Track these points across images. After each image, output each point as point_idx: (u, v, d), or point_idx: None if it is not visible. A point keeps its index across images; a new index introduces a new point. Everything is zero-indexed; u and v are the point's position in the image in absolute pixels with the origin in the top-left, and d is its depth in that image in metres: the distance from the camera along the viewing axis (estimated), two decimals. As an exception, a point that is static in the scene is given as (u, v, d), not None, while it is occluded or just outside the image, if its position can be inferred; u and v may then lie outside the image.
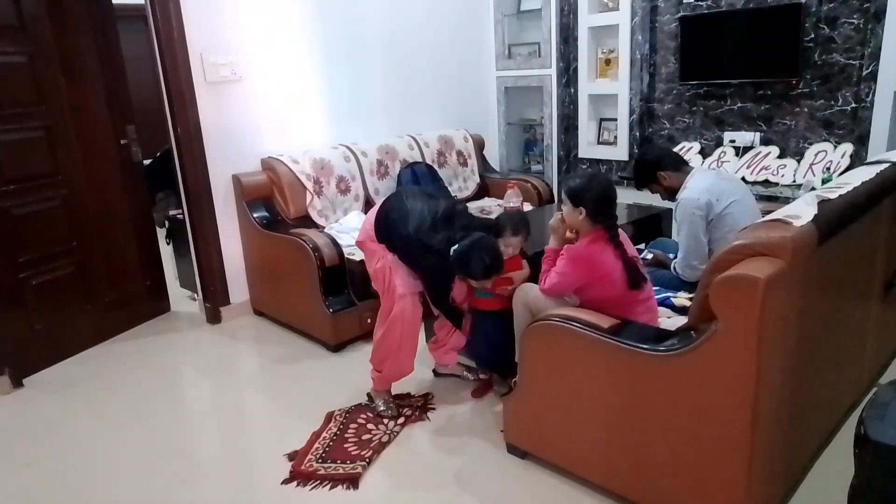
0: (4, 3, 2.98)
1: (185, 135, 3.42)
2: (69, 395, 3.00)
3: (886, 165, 2.37)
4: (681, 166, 2.79)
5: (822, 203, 1.90)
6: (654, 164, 2.80)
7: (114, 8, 3.51)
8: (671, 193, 2.78)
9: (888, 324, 2.68)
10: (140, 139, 3.67)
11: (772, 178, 3.74)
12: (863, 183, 2.16)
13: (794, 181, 3.65)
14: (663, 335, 1.92)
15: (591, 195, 2.15)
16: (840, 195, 2.01)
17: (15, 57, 3.04)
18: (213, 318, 3.71)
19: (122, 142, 3.56)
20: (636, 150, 4.40)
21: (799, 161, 3.68)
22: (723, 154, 3.97)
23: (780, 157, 3.78)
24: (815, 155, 3.62)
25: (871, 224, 2.27)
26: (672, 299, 2.56)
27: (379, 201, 4.16)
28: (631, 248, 2.25)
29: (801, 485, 2.08)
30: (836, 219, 1.87)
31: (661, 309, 2.48)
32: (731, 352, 1.65)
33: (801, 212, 1.82)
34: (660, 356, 1.80)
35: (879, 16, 3.24)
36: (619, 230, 2.23)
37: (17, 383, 3.05)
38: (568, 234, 2.32)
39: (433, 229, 2.35)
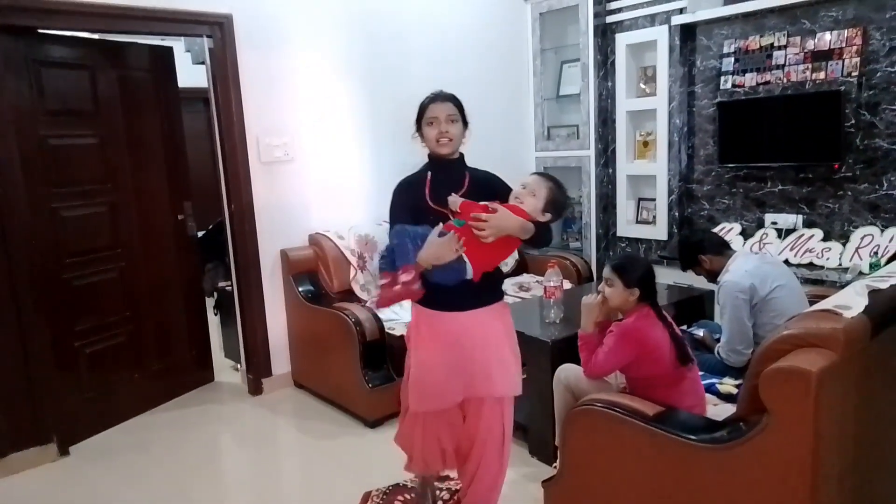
0: (82, 90, 3.24)
1: (239, 211, 3.58)
2: (113, 464, 3.04)
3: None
4: (723, 249, 2.80)
5: (874, 293, 1.88)
6: (696, 247, 2.83)
7: (179, 92, 3.77)
8: (713, 276, 2.78)
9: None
10: (195, 210, 3.85)
11: (816, 262, 3.69)
12: (914, 272, 2.14)
13: (840, 265, 3.60)
14: (711, 425, 1.88)
15: (635, 271, 2.20)
16: (892, 284, 1.98)
17: (88, 139, 3.28)
18: (255, 389, 3.76)
19: (179, 217, 3.74)
20: (675, 230, 4.41)
21: (844, 244, 3.64)
22: (765, 236, 3.95)
23: (824, 240, 3.74)
24: (861, 238, 3.58)
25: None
26: (717, 385, 2.51)
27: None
28: (675, 326, 2.25)
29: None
30: (889, 309, 1.85)
31: (707, 395, 2.44)
32: (784, 447, 1.61)
33: (852, 302, 1.80)
34: (708, 448, 1.76)
35: (920, 103, 3.26)
36: (663, 311, 2.25)
37: (64, 451, 3.11)
38: (600, 317, 2.32)
39: None
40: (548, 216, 2.00)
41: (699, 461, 1.80)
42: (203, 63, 3.59)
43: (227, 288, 3.88)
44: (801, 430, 1.57)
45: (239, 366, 3.91)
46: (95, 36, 3.51)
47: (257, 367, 3.74)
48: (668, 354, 2.17)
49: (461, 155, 2.17)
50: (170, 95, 3.70)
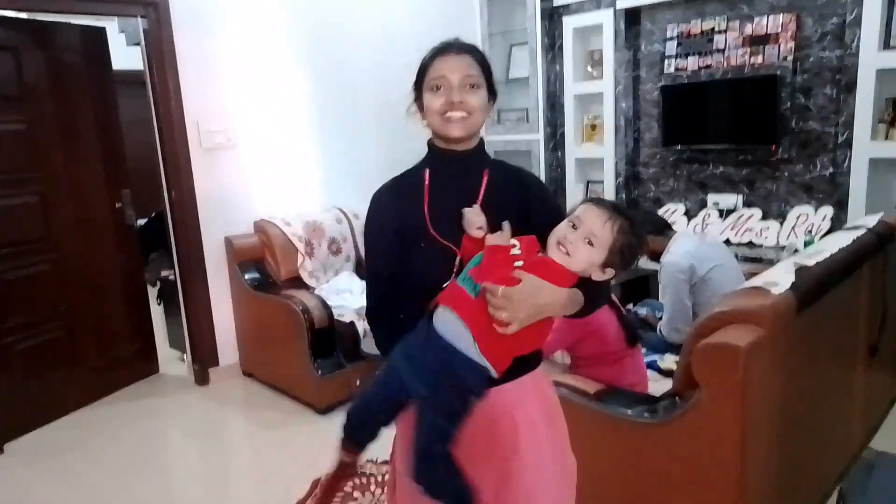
0: (6, 74, 3.08)
1: (180, 199, 3.48)
2: (50, 462, 2.94)
3: (863, 231, 2.44)
4: (664, 230, 2.86)
5: (801, 270, 1.95)
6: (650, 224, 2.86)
7: (113, 75, 3.62)
8: (655, 256, 2.84)
9: (875, 387, 2.69)
10: (135, 198, 3.72)
11: (756, 241, 3.81)
12: (840, 249, 2.22)
13: (778, 243, 3.72)
14: (649, 401, 1.92)
15: None
16: (818, 262, 2.06)
17: (13, 125, 3.12)
18: (202, 379, 3.68)
19: (117, 205, 3.61)
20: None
21: (782, 223, 3.76)
22: (707, 216, 4.06)
23: (762, 219, 3.86)
24: (797, 218, 3.71)
25: (851, 289, 2.32)
26: (658, 362, 2.58)
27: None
28: (619, 306, 2.30)
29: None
30: (814, 286, 1.91)
31: (649, 372, 2.50)
32: (716, 420, 1.66)
33: (780, 279, 1.86)
34: (645, 424, 1.81)
35: (851, 87, 3.38)
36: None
37: (-3, 449, 2.99)
38: None
39: None
40: (610, 273, 1.26)
41: (637, 437, 1.84)
42: (138, 45, 3.45)
43: (171, 277, 3.78)
44: (730, 403, 1.63)
45: (185, 356, 3.82)
46: (23, 15, 3.33)
47: (203, 358, 3.66)
48: (614, 335, 2.21)
49: (481, 142, 1.39)
50: (103, 78, 3.55)
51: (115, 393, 3.61)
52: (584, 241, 1.22)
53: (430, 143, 1.40)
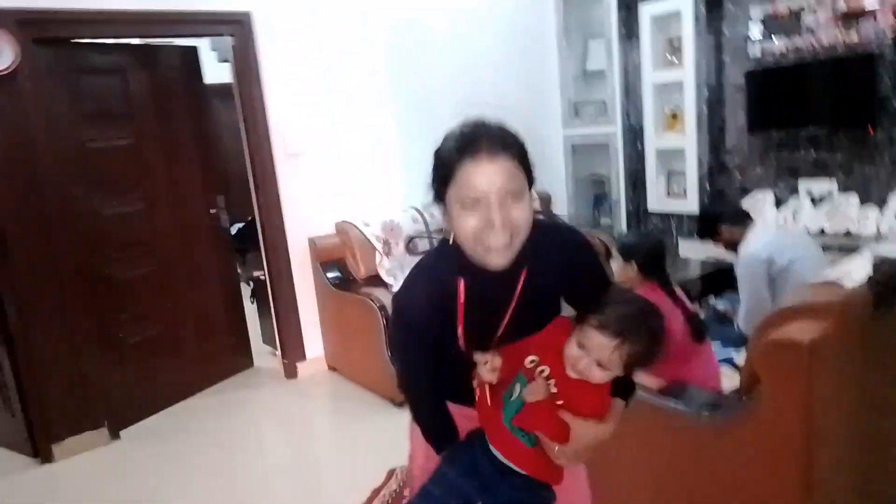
0: (116, 93, 3.41)
1: (266, 202, 3.72)
2: (160, 447, 3.24)
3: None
4: (743, 220, 2.76)
5: (881, 263, 1.83)
6: (715, 217, 2.80)
7: (207, 91, 3.92)
8: (733, 247, 2.75)
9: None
10: (230, 204, 4.01)
11: (853, 229, 3.57)
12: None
13: (878, 231, 3.47)
14: (712, 399, 1.88)
15: (642, 250, 2.21)
16: (904, 253, 1.93)
17: (123, 140, 3.45)
18: (291, 373, 3.91)
19: (212, 211, 3.90)
20: (706, 203, 4.32)
21: (882, 210, 3.50)
22: (798, 204, 3.84)
23: (861, 205, 3.61)
24: (899, 203, 3.44)
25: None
26: (735, 359, 2.49)
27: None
28: (688, 303, 2.25)
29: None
30: (894, 281, 1.80)
31: (724, 369, 2.42)
32: (778, 420, 1.60)
33: (854, 271, 1.77)
34: (705, 422, 1.77)
35: (959, 60, 3.10)
36: (675, 287, 2.24)
37: (115, 435, 3.32)
38: None
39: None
40: (637, 371, 1.23)
41: (698, 435, 1.80)
42: (227, 61, 3.71)
43: (262, 277, 4.04)
44: (794, 402, 1.57)
45: (275, 351, 4.07)
46: (132, 41, 3.68)
47: (292, 352, 3.90)
48: (679, 330, 2.17)
49: None
50: (198, 93, 3.85)
51: (214, 385, 3.91)
52: (595, 366, 1.16)
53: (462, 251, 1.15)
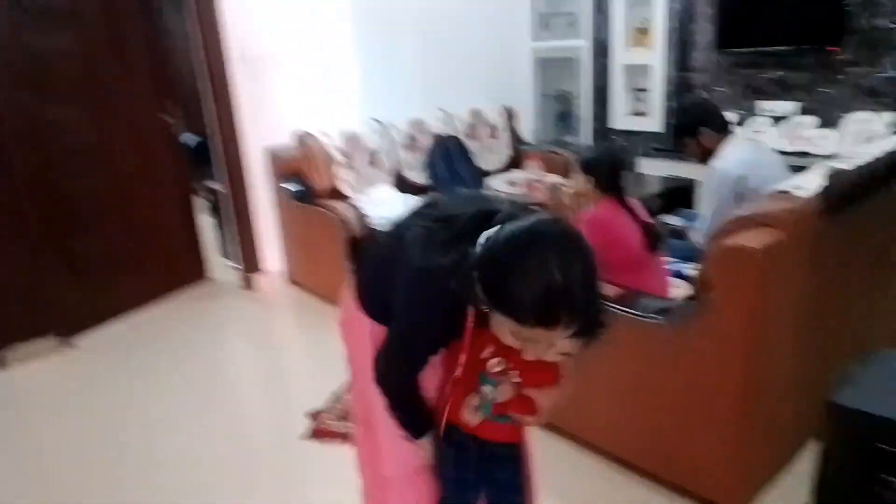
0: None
1: (223, 111, 3.57)
2: (117, 355, 3.22)
3: (916, 135, 2.29)
4: (724, 129, 2.62)
5: (834, 174, 1.87)
6: (700, 118, 2.63)
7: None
8: (705, 156, 2.62)
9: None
10: (192, 115, 3.84)
11: (812, 150, 3.62)
12: (887, 154, 2.11)
13: (835, 153, 3.52)
14: (666, 305, 1.93)
15: (602, 165, 2.20)
16: (858, 166, 1.96)
17: (69, 42, 3.23)
18: (249, 285, 3.89)
19: (165, 116, 3.73)
20: (670, 122, 4.32)
21: (840, 131, 3.55)
22: (758, 124, 3.86)
23: (820, 127, 3.65)
24: (856, 124, 3.48)
25: (893, 199, 2.21)
26: (684, 270, 2.55)
27: (409, 174, 4.29)
28: (644, 215, 2.28)
29: (806, 452, 2.07)
30: (847, 191, 1.84)
31: (675, 280, 2.49)
32: (728, 322, 1.66)
33: (808, 183, 1.80)
34: (659, 326, 1.83)
35: (928, -24, 3.07)
36: (631, 199, 2.27)
37: (68, 343, 3.29)
38: (573, 206, 2.37)
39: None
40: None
41: (651, 340, 1.87)
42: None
43: (220, 189, 3.93)
44: (744, 306, 1.62)
45: (234, 265, 4.02)
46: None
47: (250, 265, 3.87)
48: (636, 241, 2.21)
49: None
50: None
51: (170, 296, 3.86)
52: (549, 349, 1.08)
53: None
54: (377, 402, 1.27)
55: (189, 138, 4.28)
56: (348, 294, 1.37)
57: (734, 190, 2.50)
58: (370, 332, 1.29)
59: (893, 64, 3.35)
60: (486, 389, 1.22)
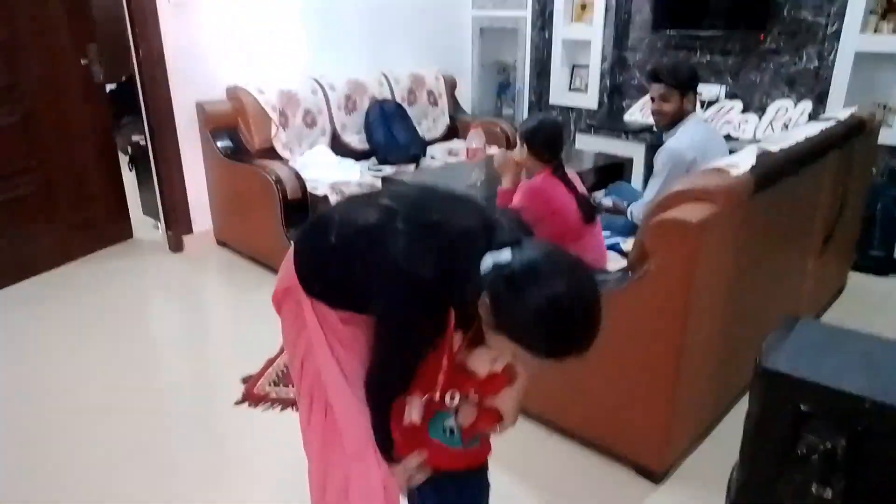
0: None
1: (148, 57, 3.35)
2: (33, 312, 3.02)
3: (833, 123, 2.45)
4: (695, 102, 2.64)
5: (763, 154, 1.98)
6: (693, 81, 2.61)
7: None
8: (670, 117, 2.61)
9: (824, 276, 2.82)
10: (105, 62, 3.58)
11: (734, 133, 3.80)
12: (807, 138, 2.24)
13: (755, 137, 3.72)
14: (607, 275, 2.00)
15: (540, 134, 2.25)
16: (782, 149, 2.09)
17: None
18: (176, 245, 3.72)
19: (83, 61, 3.47)
20: (605, 100, 4.42)
21: (761, 116, 3.75)
22: (689, 106, 4.02)
23: (743, 111, 3.84)
24: (776, 111, 3.69)
25: (813, 178, 2.36)
26: (622, 244, 2.64)
27: (346, 136, 4.20)
28: (580, 186, 2.33)
29: (727, 417, 2.22)
30: (774, 170, 1.95)
31: (611, 254, 2.57)
32: (662, 291, 1.74)
33: (741, 162, 1.89)
34: (596, 293, 1.89)
35: (848, -26, 3.26)
36: (568, 170, 2.32)
37: (-23, 300, 3.06)
38: (513, 175, 2.40)
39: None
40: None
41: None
42: None
43: (142, 143, 3.72)
44: (678, 275, 1.70)
45: (158, 223, 3.84)
46: None
47: (177, 224, 3.69)
48: (572, 214, 2.26)
49: None
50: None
51: (90, 254, 3.65)
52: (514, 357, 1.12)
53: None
54: (329, 380, 1.24)
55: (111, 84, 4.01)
56: (285, 270, 1.28)
57: (683, 172, 2.53)
58: (310, 309, 1.23)
59: (811, 55, 3.55)
60: (448, 423, 1.20)
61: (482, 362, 1.13)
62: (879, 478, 1.08)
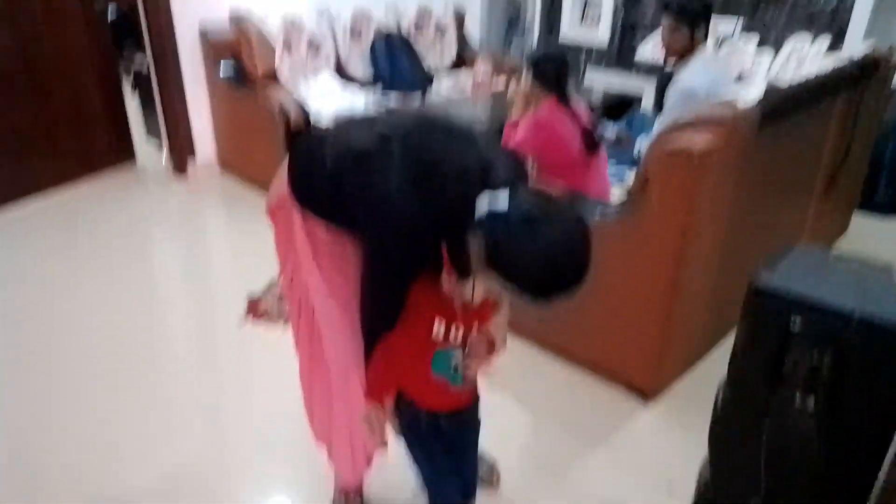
0: None
1: (149, -22, 3.28)
2: (34, 235, 3.06)
3: (846, 62, 2.40)
4: (707, 34, 2.53)
5: (771, 89, 1.95)
6: (705, 13, 2.51)
7: None
8: (679, 50, 2.52)
9: (826, 218, 2.81)
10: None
11: (746, 69, 3.71)
12: (817, 76, 2.21)
13: (769, 73, 3.65)
14: (603, 205, 2.01)
15: (545, 62, 2.24)
16: (791, 85, 2.06)
17: None
18: (179, 170, 3.73)
19: (83, -15, 3.41)
20: (616, 38, 4.33)
21: (776, 53, 3.66)
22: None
23: (759, 46, 3.75)
24: (792, 49, 3.60)
25: (821, 117, 2.33)
26: (626, 176, 2.64)
27: (351, 67, 4.12)
28: (585, 116, 2.32)
29: (721, 345, 2.26)
30: (781, 105, 1.93)
31: (615, 188, 2.57)
32: (662, 220, 1.75)
33: (749, 96, 1.87)
34: (596, 223, 1.90)
35: None
36: (573, 102, 2.30)
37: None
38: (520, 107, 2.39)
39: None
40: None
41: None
42: None
43: (145, 70, 3.67)
44: (678, 205, 1.71)
45: (162, 147, 3.83)
46: None
47: (180, 148, 3.69)
48: (576, 144, 2.26)
49: None
50: None
51: (93, 177, 3.65)
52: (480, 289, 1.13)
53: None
54: (316, 299, 1.27)
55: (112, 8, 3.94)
56: (279, 182, 1.29)
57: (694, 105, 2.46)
58: (300, 224, 1.24)
59: (832, -8, 3.45)
60: (454, 361, 1.20)
61: (476, 292, 1.14)
62: (861, 393, 1.12)
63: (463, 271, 1.08)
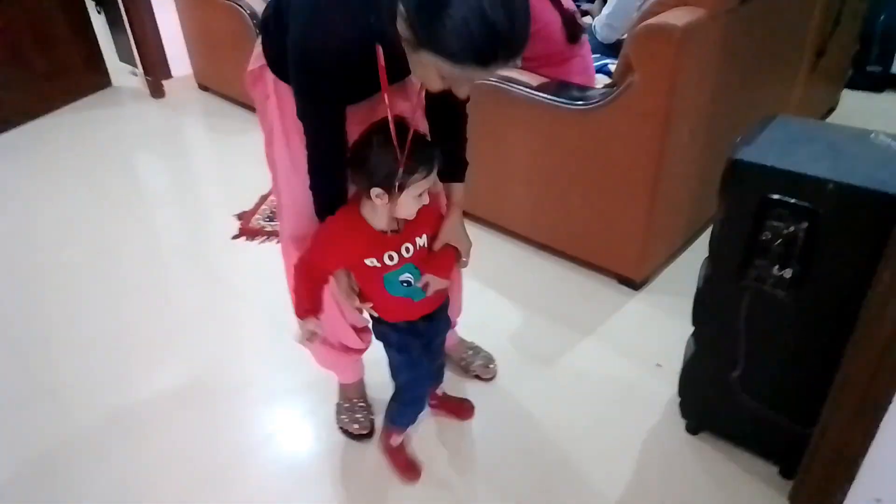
0: None
1: None
2: (12, 163, 3.02)
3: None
4: None
5: (757, -43, 1.87)
6: None
7: None
8: None
9: (814, 95, 2.78)
10: None
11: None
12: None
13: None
14: (588, 92, 1.98)
15: None
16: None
17: None
18: (156, 91, 3.63)
19: None
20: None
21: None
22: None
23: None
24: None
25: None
26: (610, 66, 2.57)
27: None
28: (567, 2, 2.23)
29: (707, 231, 2.29)
30: (767, -27, 1.86)
31: (599, 76, 2.52)
32: (644, 101, 1.73)
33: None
34: (578, 110, 1.89)
35: None
36: None
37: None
38: None
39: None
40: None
41: (570, 124, 1.93)
42: None
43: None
44: (661, 84, 1.68)
45: (136, 70, 3.71)
46: None
47: (155, 69, 3.57)
48: (558, 33, 2.18)
49: None
50: None
51: (69, 104, 3.56)
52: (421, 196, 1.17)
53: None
54: (279, 166, 1.30)
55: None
56: (257, 50, 1.28)
57: None
58: (273, 90, 1.25)
59: None
60: (402, 277, 1.24)
61: (407, 205, 1.15)
62: (834, 258, 1.15)
63: (399, 74, 1.11)
